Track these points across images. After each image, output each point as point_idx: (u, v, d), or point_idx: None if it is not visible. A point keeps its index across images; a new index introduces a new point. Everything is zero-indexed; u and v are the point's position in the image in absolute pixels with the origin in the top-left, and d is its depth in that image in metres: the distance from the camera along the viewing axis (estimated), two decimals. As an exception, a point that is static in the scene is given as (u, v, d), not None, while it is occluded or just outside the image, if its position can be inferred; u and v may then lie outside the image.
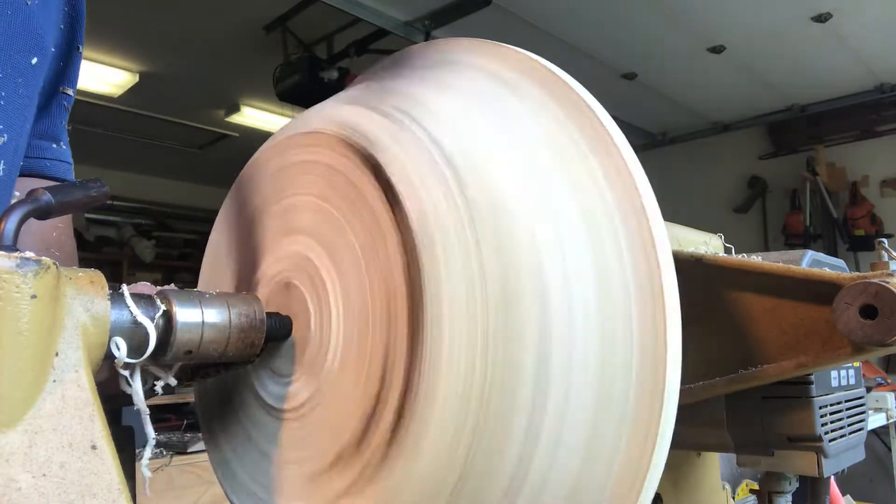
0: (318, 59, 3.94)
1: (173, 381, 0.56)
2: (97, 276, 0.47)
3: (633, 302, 0.47)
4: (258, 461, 0.61)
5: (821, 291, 0.59)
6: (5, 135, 0.73)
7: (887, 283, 0.53)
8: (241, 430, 0.64)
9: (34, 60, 0.76)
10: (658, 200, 0.50)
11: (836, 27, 3.77)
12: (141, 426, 0.52)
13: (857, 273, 0.59)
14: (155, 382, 0.54)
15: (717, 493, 0.97)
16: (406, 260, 0.48)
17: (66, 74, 0.88)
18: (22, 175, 0.85)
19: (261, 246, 0.64)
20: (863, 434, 0.81)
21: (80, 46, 0.88)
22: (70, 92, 0.89)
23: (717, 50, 4.06)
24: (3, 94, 0.72)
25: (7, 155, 0.74)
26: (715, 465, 0.98)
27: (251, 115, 5.24)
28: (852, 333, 0.55)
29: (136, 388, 0.49)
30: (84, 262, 0.52)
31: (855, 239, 4.84)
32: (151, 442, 0.51)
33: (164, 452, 2.90)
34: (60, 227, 0.87)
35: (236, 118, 5.28)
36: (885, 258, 0.74)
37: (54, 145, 0.89)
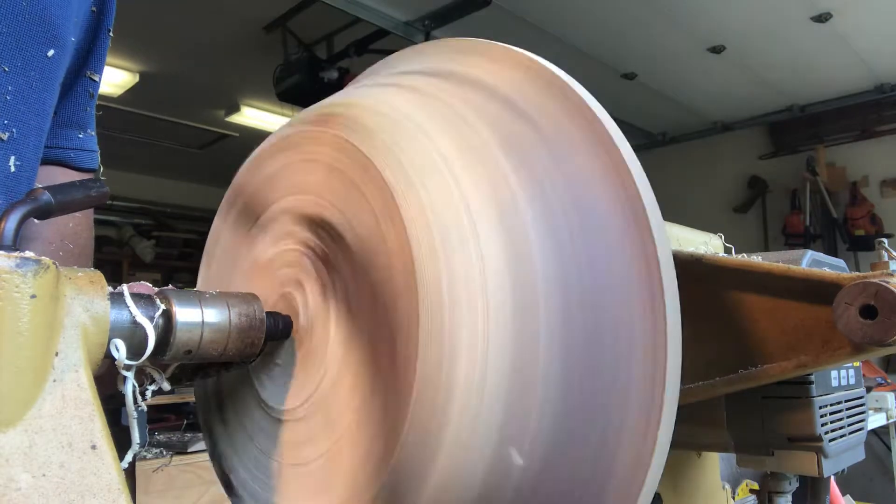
0: (318, 59, 3.94)
1: (167, 386, 0.56)
2: (97, 276, 0.47)
3: (633, 301, 0.47)
4: (258, 460, 0.61)
5: (821, 291, 0.59)
6: (13, 129, 0.71)
7: (887, 283, 0.53)
8: (241, 431, 0.64)
9: (50, 53, 0.74)
10: (658, 200, 0.50)
11: (836, 27, 3.77)
12: (138, 427, 0.52)
13: (857, 273, 0.59)
14: (147, 387, 0.53)
15: (717, 493, 0.97)
16: (405, 259, 0.48)
17: (92, 58, 0.85)
18: (48, 164, 0.83)
19: (260, 246, 0.64)
20: (863, 434, 0.81)
21: (110, 29, 0.86)
22: (96, 78, 0.87)
23: (717, 50, 4.06)
24: (10, 87, 0.70)
25: (18, 150, 0.72)
26: (715, 465, 0.98)
27: (251, 115, 5.25)
28: (852, 333, 0.55)
29: (128, 391, 0.49)
30: (84, 262, 0.52)
31: (855, 239, 4.84)
32: (135, 447, 0.51)
33: (164, 452, 2.90)
34: (77, 217, 0.85)
35: (236, 118, 5.29)
36: (885, 258, 0.74)
37: (80, 134, 0.88)
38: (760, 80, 4.54)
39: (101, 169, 0.91)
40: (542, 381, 0.47)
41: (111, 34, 0.87)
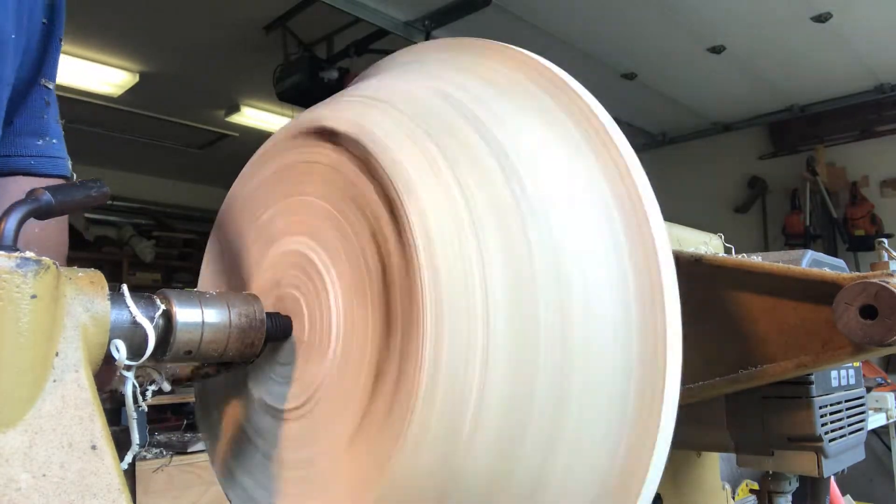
0: (318, 59, 3.93)
1: (167, 387, 0.56)
2: (97, 276, 0.47)
3: (633, 302, 0.47)
4: (258, 461, 0.61)
5: (821, 291, 0.59)
6: None
7: (887, 283, 0.53)
8: (240, 431, 0.64)
9: None
10: (658, 200, 0.50)
11: (836, 27, 3.77)
12: (138, 427, 0.52)
13: (857, 273, 0.59)
14: (147, 387, 0.53)
15: (717, 493, 0.97)
16: (405, 260, 0.48)
17: (44, 66, 0.86)
18: (12, 174, 0.84)
19: (261, 246, 0.64)
20: (863, 434, 0.81)
21: (61, 38, 0.87)
22: (50, 86, 0.88)
23: (717, 50, 4.06)
24: None
25: None
26: (715, 465, 0.98)
27: (251, 115, 5.24)
28: (852, 333, 0.55)
29: (128, 391, 0.49)
30: (84, 262, 0.52)
31: (855, 239, 4.83)
32: (135, 448, 0.51)
33: (164, 452, 2.89)
34: (45, 222, 0.86)
35: (236, 118, 5.28)
36: (885, 258, 0.74)
37: (39, 141, 0.88)
38: (760, 80, 4.53)
39: (75, 176, 0.92)
40: (542, 383, 0.47)
41: (61, 42, 0.88)
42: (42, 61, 0.86)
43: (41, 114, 0.88)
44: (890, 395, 2.86)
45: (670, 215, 0.62)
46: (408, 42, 3.66)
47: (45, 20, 0.84)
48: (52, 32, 0.86)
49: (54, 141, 0.90)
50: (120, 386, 0.50)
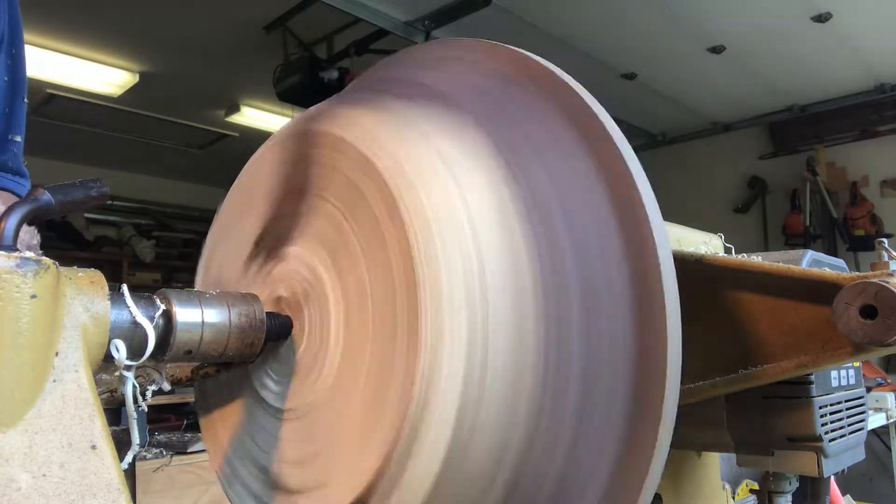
0: (318, 59, 3.94)
1: (167, 386, 0.56)
2: (97, 276, 0.47)
3: (633, 302, 0.47)
4: (258, 461, 0.61)
5: (821, 291, 0.59)
6: None
7: (887, 283, 0.53)
8: (240, 430, 0.64)
9: None
10: (658, 200, 0.50)
11: (836, 27, 3.77)
12: (138, 427, 0.52)
13: (857, 273, 0.59)
14: (147, 387, 0.53)
15: (717, 493, 0.97)
16: (405, 259, 0.48)
17: (11, 122, 0.92)
18: None
19: (259, 246, 0.64)
20: (863, 434, 0.81)
21: (24, 97, 0.93)
22: (18, 139, 0.93)
23: (717, 50, 4.06)
24: None
25: None
26: (715, 465, 0.98)
27: (251, 115, 5.24)
28: (852, 333, 0.55)
29: (128, 391, 0.49)
30: (84, 262, 0.52)
31: (855, 239, 4.83)
32: (135, 448, 0.51)
33: (164, 452, 2.89)
34: None
35: (236, 118, 5.28)
36: (885, 258, 0.74)
37: (5, 173, 0.94)
38: (760, 80, 4.53)
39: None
40: (540, 382, 0.47)
41: (26, 102, 0.94)
42: (10, 119, 0.91)
43: (10, 160, 0.95)
44: (890, 395, 2.86)
45: (670, 215, 0.62)
46: (408, 42, 3.66)
47: (6, 78, 0.87)
48: (15, 91, 0.92)
49: (16, 177, 0.97)
50: (120, 386, 0.50)
